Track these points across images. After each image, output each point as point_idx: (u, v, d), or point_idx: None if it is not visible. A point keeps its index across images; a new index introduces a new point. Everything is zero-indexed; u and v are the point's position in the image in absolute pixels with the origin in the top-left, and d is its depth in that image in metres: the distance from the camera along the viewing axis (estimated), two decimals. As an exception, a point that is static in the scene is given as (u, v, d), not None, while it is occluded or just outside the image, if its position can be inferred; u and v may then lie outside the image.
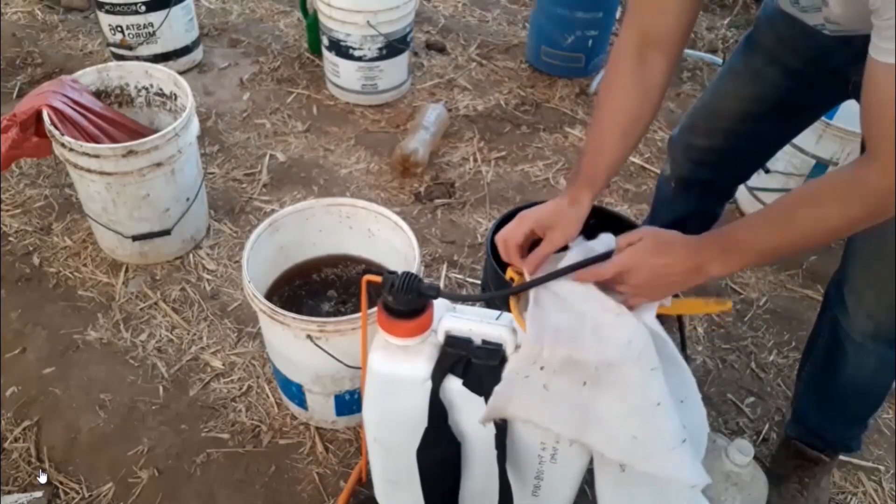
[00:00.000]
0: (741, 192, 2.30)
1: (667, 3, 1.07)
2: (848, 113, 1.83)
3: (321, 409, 1.59)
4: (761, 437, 1.69)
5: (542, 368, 0.98)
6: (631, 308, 0.99)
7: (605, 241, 1.10)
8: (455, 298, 1.07)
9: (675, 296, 1.05)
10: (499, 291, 1.05)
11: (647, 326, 1.02)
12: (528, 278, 1.06)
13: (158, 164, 1.81)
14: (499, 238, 1.11)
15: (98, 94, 2.03)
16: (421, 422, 1.04)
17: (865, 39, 0.84)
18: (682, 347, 1.28)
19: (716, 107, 1.47)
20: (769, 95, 1.36)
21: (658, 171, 2.38)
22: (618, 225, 1.44)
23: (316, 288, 1.68)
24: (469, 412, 1.04)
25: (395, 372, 1.02)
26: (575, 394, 0.98)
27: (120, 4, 2.53)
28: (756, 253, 0.98)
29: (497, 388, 0.99)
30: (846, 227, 0.96)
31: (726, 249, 0.98)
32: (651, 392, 0.96)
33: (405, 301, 0.95)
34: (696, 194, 1.63)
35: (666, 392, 0.97)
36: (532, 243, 1.10)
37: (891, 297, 1.21)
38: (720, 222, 1.75)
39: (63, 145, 1.76)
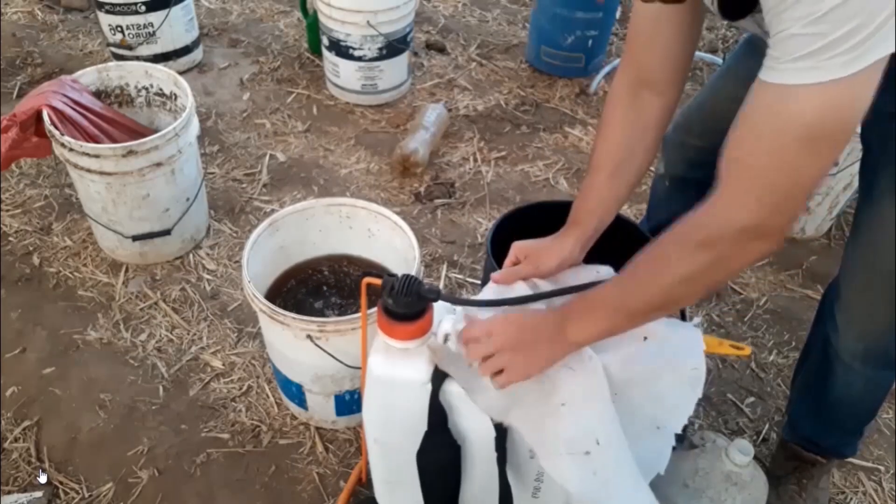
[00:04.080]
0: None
1: (661, 44, 1.07)
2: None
3: (321, 409, 1.59)
4: (761, 437, 1.69)
5: None
6: (501, 387, 0.98)
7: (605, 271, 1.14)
8: (455, 302, 1.07)
9: None
10: (498, 299, 1.05)
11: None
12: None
13: (158, 164, 1.81)
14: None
15: (98, 94, 2.02)
16: (420, 424, 1.04)
17: None
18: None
19: (712, 108, 1.46)
20: None
21: (658, 172, 2.38)
22: (617, 224, 1.43)
23: (316, 288, 1.68)
24: (469, 415, 1.04)
25: (395, 375, 1.02)
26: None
27: (120, 4, 2.53)
28: (610, 312, 0.94)
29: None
30: (698, 275, 0.87)
31: (585, 308, 0.96)
32: (559, 391, 0.97)
33: (405, 304, 0.95)
34: (692, 193, 1.61)
35: (575, 397, 0.97)
36: None
37: (882, 318, 1.18)
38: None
39: (63, 145, 1.76)
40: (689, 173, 1.57)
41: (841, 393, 1.33)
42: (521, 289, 1.08)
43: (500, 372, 0.97)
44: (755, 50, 1.35)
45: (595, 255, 1.19)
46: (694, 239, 0.86)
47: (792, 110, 0.75)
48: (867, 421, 1.43)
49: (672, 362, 1.01)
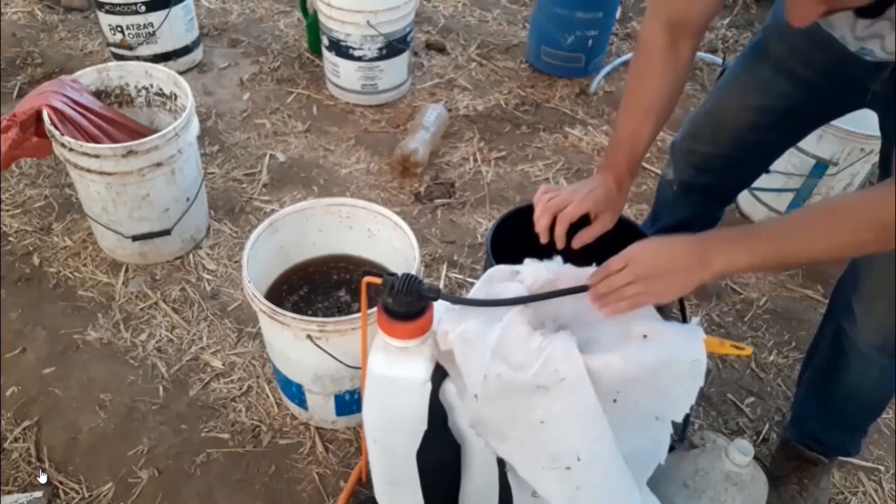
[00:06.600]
0: (741, 193, 2.30)
1: None
2: (849, 114, 1.82)
3: (321, 409, 1.59)
4: (761, 437, 1.69)
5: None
6: (633, 306, 1.00)
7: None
8: (455, 301, 1.06)
9: None
10: (500, 300, 1.05)
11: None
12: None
13: (158, 164, 1.81)
14: (548, 208, 1.14)
15: (98, 94, 2.02)
16: (420, 423, 1.04)
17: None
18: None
19: (721, 115, 1.46)
20: (778, 106, 1.34)
21: (657, 172, 2.38)
22: (617, 224, 1.43)
23: (316, 288, 1.68)
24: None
25: (395, 374, 1.01)
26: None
27: (120, 4, 2.53)
28: (763, 252, 0.97)
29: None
30: (853, 248, 0.97)
31: (736, 240, 0.99)
32: (536, 409, 0.97)
33: (405, 303, 0.95)
34: (699, 198, 1.62)
35: (552, 414, 0.97)
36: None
37: None
38: (720, 226, 1.75)
39: (63, 145, 1.76)
40: (697, 179, 1.57)
41: (853, 384, 1.34)
42: (516, 289, 1.08)
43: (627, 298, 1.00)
44: (762, 57, 1.34)
45: (595, 255, 1.18)
46: (867, 214, 0.91)
47: None
48: (874, 417, 1.44)
49: (672, 358, 1.01)
